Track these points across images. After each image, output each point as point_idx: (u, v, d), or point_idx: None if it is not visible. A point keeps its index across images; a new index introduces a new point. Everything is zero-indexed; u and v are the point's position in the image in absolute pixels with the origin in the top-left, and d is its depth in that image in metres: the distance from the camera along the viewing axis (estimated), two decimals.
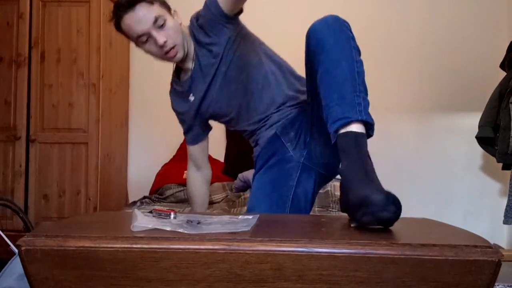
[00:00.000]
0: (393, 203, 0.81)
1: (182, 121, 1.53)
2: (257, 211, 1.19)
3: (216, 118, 1.47)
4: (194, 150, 1.56)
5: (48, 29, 2.62)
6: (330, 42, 1.04)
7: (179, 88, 1.46)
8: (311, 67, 1.12)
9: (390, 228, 0.84)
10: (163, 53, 1.28)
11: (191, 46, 1.35)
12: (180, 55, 1.31)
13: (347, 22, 1.09)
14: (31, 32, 2.62)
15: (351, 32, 1.08)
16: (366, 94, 1.02)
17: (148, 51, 1.31)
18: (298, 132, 1.29)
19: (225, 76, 1.33)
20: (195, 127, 1.51)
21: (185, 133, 1.55)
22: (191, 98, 1.41)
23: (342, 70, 1.01)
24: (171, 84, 1.51)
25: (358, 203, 0.83)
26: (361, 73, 1.03)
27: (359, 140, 0.95)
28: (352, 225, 0.88)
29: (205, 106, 1.41)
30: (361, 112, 0.97)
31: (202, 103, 1.41)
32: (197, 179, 1.59)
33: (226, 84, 1.34)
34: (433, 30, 2.96)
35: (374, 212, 0.80)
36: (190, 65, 1.37)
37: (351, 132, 0.96)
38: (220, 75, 1.33)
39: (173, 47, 1.28)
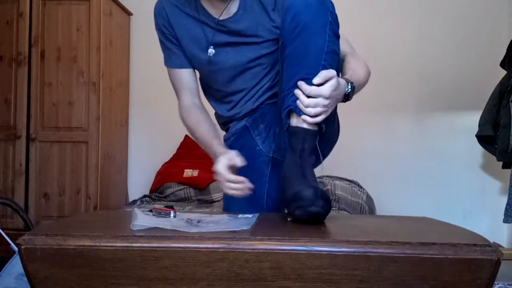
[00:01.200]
0: (322, 198, 0.86)
1: (168, 48, 1.26)
2: (232, 211, 1.15)
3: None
4: (185, 74, 1.27)
5: (48, 28, 2.62)
6: (305, 22, 0.97)
7: (194, 13, 1.20)
8: (282, 42, 1.06)
9: (390, 227, 0.84)
10: None
11: None
12: None
13: (330, 1, 1.01)
14: (31, 31, 2.61)
15: (332, 14, 1.00)
16: None
17: None
18: (268, 124, 1.23)
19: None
20: (183, 57, 1.27)
21: (169, 58, 1.28)
22: (211, 50, 1.20)
23: (306, 61, 0.98)
24: None
25: (292, 198, 0.89)
26: (326, 66, 0.97)
27: (307, 137, 0.97)
28: (288, 219, 0.94)
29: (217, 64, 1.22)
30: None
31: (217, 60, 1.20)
32: (198, 104, 1.29)
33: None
34: (433, 29, 2.95)
35: (304, 206, 0.86)
36: (236, 3, 1.16)
37: (301, 128, 0.98)
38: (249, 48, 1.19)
39: None
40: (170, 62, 1.28)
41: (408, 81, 2.95)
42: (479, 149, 2.71)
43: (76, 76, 2.61)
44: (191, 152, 2.89)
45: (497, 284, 1.67)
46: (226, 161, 1.05)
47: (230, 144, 1.28)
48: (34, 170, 2.60)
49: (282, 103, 1.04)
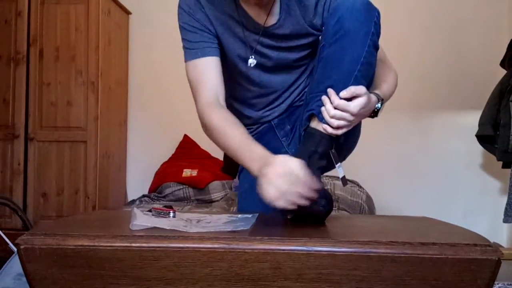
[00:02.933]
0: (324, 197, 0.86)
1: (196, 34, 1.10)
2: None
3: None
4: (213, 63, 1.10)
5: (47, 27, 2.61)
6: (347, 28, 0.95)
7: (234, 14, 1.10)
8: (323, 44, 1.03)
9: (390, 227, 0.84)
10: (256, 3, 1.03)
11: None
12: (269, 1, 1.05)
13: (376, 11, 0.98)
14: (29, 30, 2.61)
15: (376, 25, 0.98)
16: None
17: None
18: (295, 125, 1.21)
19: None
20: (214, 45, 1.13)
21: (196, 48, 1.11)
22: (252, 60, 1.13)
23: (340, 67, 0.97)
24: None
25: None
26: (358, 78, 0.96)
27: (321, 142, 0.96)
28: (288, 216, 0.93)
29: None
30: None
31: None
32: (223, 104, 1.10)
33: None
34: (433, 28, 2.95)
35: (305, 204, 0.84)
36: (276, 8, 1.09)
37: (319, 131, 0.97)
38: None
39: None
40: (199, 53, 1.10)
41: (408, 81, 2.94)
42: (479, 148, 2.71)
43: (74, 76, 2.60)
44: (190, 151, 2.89)
45: (497, 284, 1.67)
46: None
47: None
48: (32, 170, 2.59)
49: (307, 105, 1.03)
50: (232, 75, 1.19)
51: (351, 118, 0.94)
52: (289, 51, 1.14)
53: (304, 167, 0.86)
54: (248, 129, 1.16)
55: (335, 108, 0.94)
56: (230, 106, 1.21)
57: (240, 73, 1.17)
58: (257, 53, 1.14)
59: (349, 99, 0.94)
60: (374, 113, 1.03)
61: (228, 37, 1.13)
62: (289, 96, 1.21)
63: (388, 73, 1.15)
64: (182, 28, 1.13)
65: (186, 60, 1.13)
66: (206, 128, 1.08)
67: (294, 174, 0.85)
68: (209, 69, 1.09)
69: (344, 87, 0.95)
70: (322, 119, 0.96)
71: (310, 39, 1.13)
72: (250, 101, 1.22)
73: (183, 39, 1.14)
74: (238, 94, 1.23)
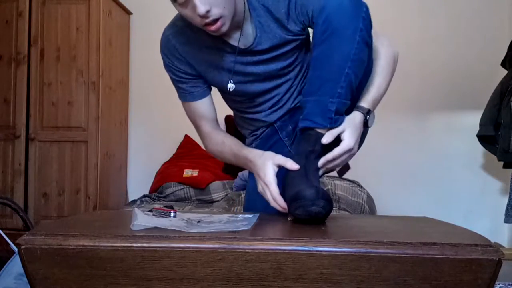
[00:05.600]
0: (323, 198, 0.86)
1: (182, 83, 1.17)
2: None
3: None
4: (203, 104, 1.20)
5: (48, 27, 2.62)
6: (335, 26, 0.95)
7: (209, 42, 1.11)
8: (313, 44, 1.03)
9: (390, 226, 0.83)
10: (203, 24, 0.99)
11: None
12: (225, 29, 1.01)
13: (364, 6, 0.99)
14: (30, 30, 2.61)
15: (365, 20, 0.98)
16: (346, 97, 0.98)
17: (185, 16, 1.01)
18: (296, 124, 1.19)
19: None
20: (201, 86, 1.20)
21: (185, 92, 1.19)
22: (230, 85, 1.15)
23: (330, 66, 0.96)
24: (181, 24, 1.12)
25: (293, 197, 0.89)
26: (350, 75, 0.96)
27: (318, 141, 0.97)
28: (288, 218, 0.94)
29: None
30: (329, 120, 0.97)
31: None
32: (218, 128, 1.24)
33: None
34: (433, 28, 2.95)
35: (305, 206, 0.86)
36: (249, 29, 1.08)
37: (314, 132, 0.98)
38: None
39: (217, 19, 0.98)
40: (188, 97, 1.19)
41: (408, 81, 2.95)
42: (480, 149, 2.71)
43: (75, 76, 2.60)
44: (191, 152, 2.89)
45: (498, 284, 1.67)
46: (273, 168, 0.99)
47: (255, 146, 1.25)
48: (33, 170, 2.59)
49: (302, 107, 1.03)
50: (229, 96, 1.23)
51: (352, 152, 1.00)
52: (275, 61, 1.13)
53: (273, 176, 0.98)
54: (253, 135, 1.29)
55: (333, 159, 0.98)
56: (238, 117, 1.30)
57: (229, 93, 1.20)
58: (239, 74, 1.14)
59: (334, 141, 0.97)
60: (365, 125, 1.05)
61: (211, 71, 1.15)
62: (289, 98, 1.21)
63: (382, 69, 1.11)
64: (167, 71, 1.19)
65: (179, 98, 1.22)
66: (213, 154, 1.25)
67: (267, 183, 0.98)
68: (200, 109, 1.20)
69: (335, 85, 0.96)
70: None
71: (293, 44, 1.12)
72: (254, 109, 1.24)
73: (171, 79, 1.21)
74: (243, 107, 1.25)
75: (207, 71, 1.16)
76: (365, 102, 1.06)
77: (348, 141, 0.98)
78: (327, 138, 0.97)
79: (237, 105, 1.27)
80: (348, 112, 1.02)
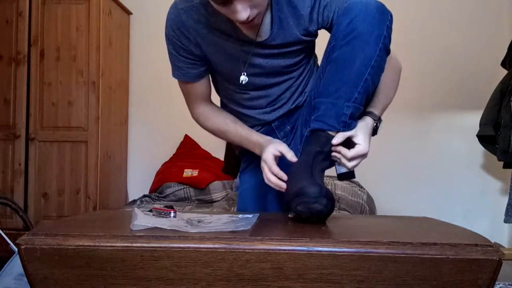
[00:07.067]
0: (326, 196, 0.86)
1: (181, 61, 1.13)
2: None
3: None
4: (200, 86, 1.18)
5: (48, 27, 2.61)
6: (360, 30, 0.95)
7: (229, 30, 1.08)
8: (333, 44, 1.01)
9: (391, 226, 0.83)
10: (239, 23, 1.00)
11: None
12: (257, 22, 1.01)
13: (389, 14, 0.99)
14: (30, 30, 2.61)
15: (388, 28, 0.98)
16: (361, 103, 0.99)
17: (219, 11, 0.97)
18: (295, 125, 1.21)
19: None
20: (200, 68, 1.16)
21: (183, 73, 1.15)
22: (244, 78, 1.12)
23: (350, 69, 0.96)
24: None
25: (296, 193, 0.88)
26: (368, 81, 0.96)
27: (328, 143, 0.98)
28: (289, 215, 0.95)
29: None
30: (343, 124, 0.98)
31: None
32: (213, 106, 1.23)
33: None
34: (433, 28, 2.95)
35: (307, 203, 0.86)
36: (267, 21, 1.07)
37: (325, 133, 0.98)
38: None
39: (255, 17, 0.97)
40: (184, 77, 1.16)
41: (408, 80, 2.94)
42: (480, 149, 2.70)
43: (75, 76, 2.60)
44: (191, 152, 2.89)
45: (498, 284, 1.67)
46: (274, 150, 1.03)
47: None
48: (33, 170, 2.59)
49: (313, 108, 1.03)
50: (226, 84, 1.21)
51: (365, 157, 1.02)
52: (283, 57, 1.13)
53: (271, 154, 1.02)
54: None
55: (350, 159, 0.99)
56: (229, 109, 1.26)
57: (234, 83, 1.18)
58: (250, 66, 1.13)
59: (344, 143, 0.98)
60: (374, 132, 1.07)
61: (220, 55, 1.12)
62: (289, 98, 1.20)
63: (390, 80, 1.13)
64: (168, 44, 1.13)
65: (173, 76, 1.18)
66: (208, 130, 1.23)
67: (264, 159, 1.03)
68: (196, 89, 1.18)
69: (353, 90, 0.96)
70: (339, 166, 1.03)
71: (304, 44, 1.12)
72: (248, 103, 1.22)
73: (168, 52, 1.15)
74: (235, 98, 1.23)
75: (217, 56, 1.12)
76: (376, 109, 1.06)
77: (364, 145, 0.99)
78: (337, 139, 0.97)
79: (231, 94, 1.23)
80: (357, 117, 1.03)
